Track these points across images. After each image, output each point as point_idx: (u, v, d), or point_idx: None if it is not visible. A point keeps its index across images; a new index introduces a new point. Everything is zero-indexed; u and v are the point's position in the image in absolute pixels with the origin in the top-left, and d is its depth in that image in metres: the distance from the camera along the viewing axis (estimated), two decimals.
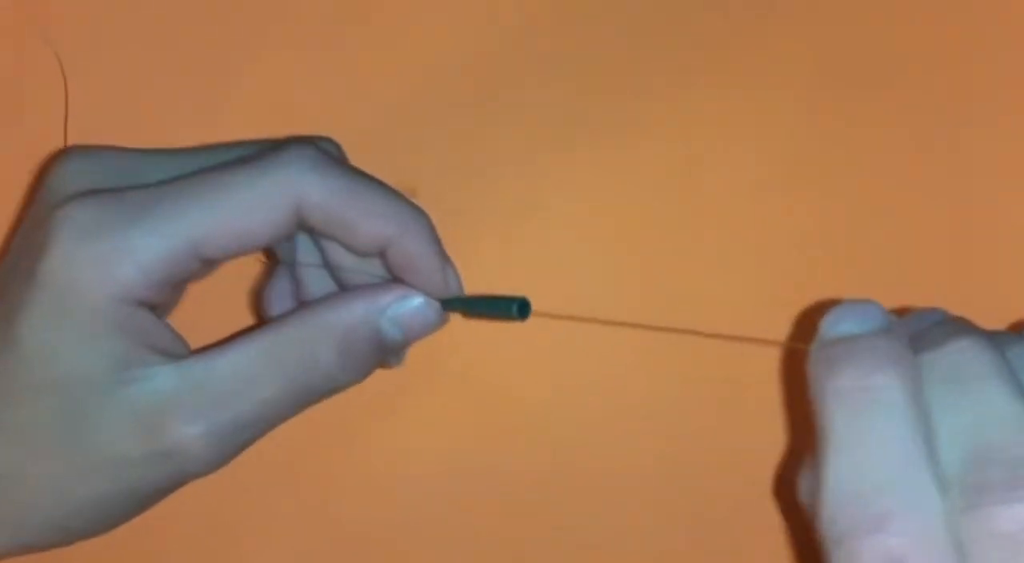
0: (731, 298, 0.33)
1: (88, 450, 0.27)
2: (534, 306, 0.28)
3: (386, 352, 0.29)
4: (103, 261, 0.26)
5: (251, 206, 0.27)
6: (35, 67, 0.34)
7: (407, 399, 0.34)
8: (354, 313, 0.28)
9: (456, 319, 0.31)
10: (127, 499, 0.28)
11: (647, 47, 0.34)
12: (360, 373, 0.29)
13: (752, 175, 0.34)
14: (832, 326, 0.24)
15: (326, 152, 0.28)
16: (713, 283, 0.33)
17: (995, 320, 0.28)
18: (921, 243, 0.33)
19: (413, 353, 0.31)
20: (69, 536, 0.28)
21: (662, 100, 0.34)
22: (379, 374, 0.30)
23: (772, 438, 0.33)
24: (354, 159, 0.31)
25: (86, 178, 0.28)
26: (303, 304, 0.30)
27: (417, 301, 0.29)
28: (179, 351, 0.28)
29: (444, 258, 0.29)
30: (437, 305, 0.29)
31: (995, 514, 0.20)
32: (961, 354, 0.22)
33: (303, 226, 0.28)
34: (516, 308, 0.28)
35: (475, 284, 0.30)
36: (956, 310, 0.26)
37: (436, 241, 0.29)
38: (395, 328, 0.29)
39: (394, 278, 0.29)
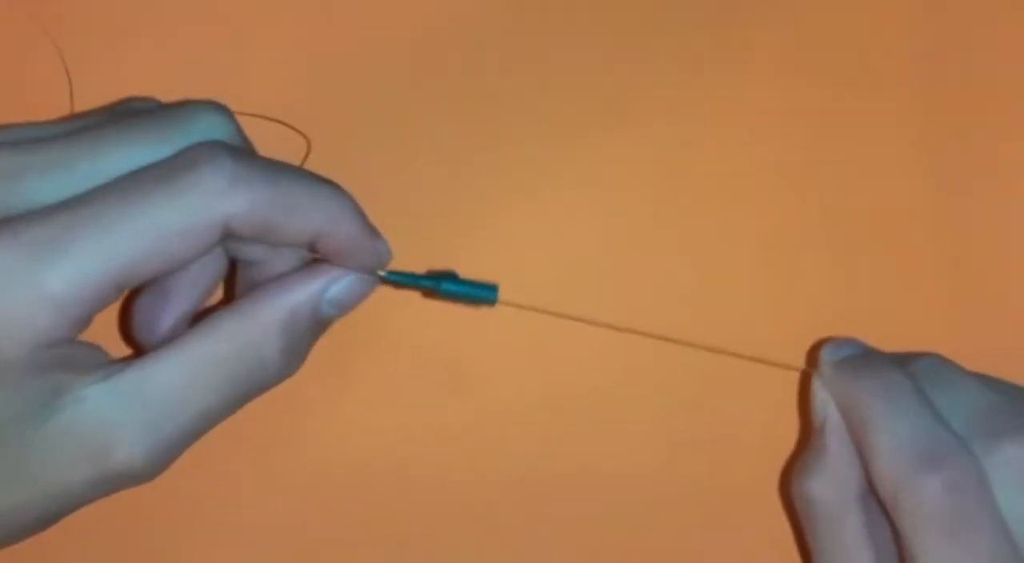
0: (725, 299, 0.34)
1: (28, 488, 0.26)
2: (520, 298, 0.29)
3: (321, 333, 0.29)
4: (19, 312, 0.24)
5: (175, 235, 0.25)
6: (39, 65, 0.34)
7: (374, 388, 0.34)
8: (295, 304, 0.27)
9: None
10: (62, 514, 0.27)
11: (646, 38, 0.34)
12: (302, 362, 0.28)
13: (749, 169, 0.34)
14: (835, 352, 0.31)
15: (239, 153, 0.26)
16: (706, 281, 0.34)
17: (994, 316, 0.34)
18: (917, 242, 0.34)
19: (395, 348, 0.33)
20: None
21: (660, 92, 0.34)
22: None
23: (764, 437, 0.33)
24: (348, 148, 0.31)
25: None
26: (234, 301, 0.28)
27: (351, 277, 0.28)
28: (98, 360, 0.27)
29: (374, 233, 0.28)
30: (376, 277, 0.29)
31: (1006, 448, 0.27)
32: (932, 362, 0.30)
33: (228, 236, 0.26)
34: (488, 294, 0.29)
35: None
36: (950, 312, 0.33)
37: (364, 219, 0.28)
38: (333, 309, 0.28)
39: (318, 258, 0.28)
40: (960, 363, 0.31)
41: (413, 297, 0.32)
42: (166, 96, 0.33)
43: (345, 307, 0.28)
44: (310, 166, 0.30)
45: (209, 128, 0.27)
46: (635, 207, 0.34)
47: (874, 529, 0.29)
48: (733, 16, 0.35)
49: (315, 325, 0.28)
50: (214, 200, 0.25)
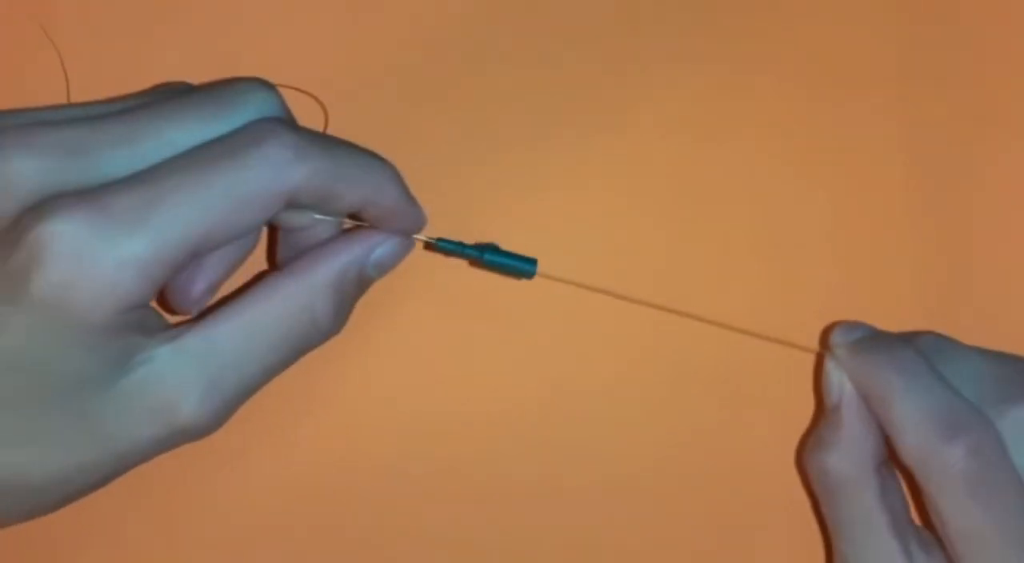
0: (736, 287, 0.34)
1: (99, 446, 0.27)
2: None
3: (362, 294, 0.31)
4: (105, 277, 0.26)
5: (247, 204, 0.27)
6: (36, 64, 0.34)
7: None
8: (343, 266, 0.29)
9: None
10: (124, 471, 0.28)
11: (662, 20, 0.35)
12: (346, 321, 0.30)
13: (770, 161, 0.35)
14: (847, 334, 0.32)
15: (298, 128, 0.28)
16: (719, 270, 0.35)
17: (997, 312, 0.35)
18: (920, 232, 0.35)
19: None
20: (55, 509, 0.28)
21: (676, 77, 0.35)
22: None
23: (781, 413, 0.34)
24: (366, 128, 0.32)
25: (44, 176, 0.26)
26: (286, 264, 0.30)
27: (392, 242, 0.30)
28: (161, 323, 0.28)
29: (413, 200, 0.31)
30: (412, 243, 0.31)
31: (1016, 412, 0.30)
32: (933, 338, 0.32)
33: (289, 205, 0.28)
34: (527, 266, 0.31)
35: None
36: (953, 297, 0.35)
37: (405, 188, 0.30)
38: (375, 270, 0.30)
39: (359, 224, 0.31)
40: (960, 339, 0.33)
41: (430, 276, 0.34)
42: None
43: (385, 269, 0.31)
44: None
45: (260, 104, 0.29)
46: (663, 195, 0.35)
47: (887, 495, 0.31)
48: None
49: (360, 286, 0.30)
50: (281, 172, 0.27)
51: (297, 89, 0.34)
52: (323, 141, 0.28)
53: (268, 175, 0.27)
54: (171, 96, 0.28)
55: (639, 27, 0.35)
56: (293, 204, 0.28)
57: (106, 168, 0.27)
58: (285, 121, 0.28)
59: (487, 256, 0.31)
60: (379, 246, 0.30)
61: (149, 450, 0.28)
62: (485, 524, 0.34)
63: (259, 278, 0.29)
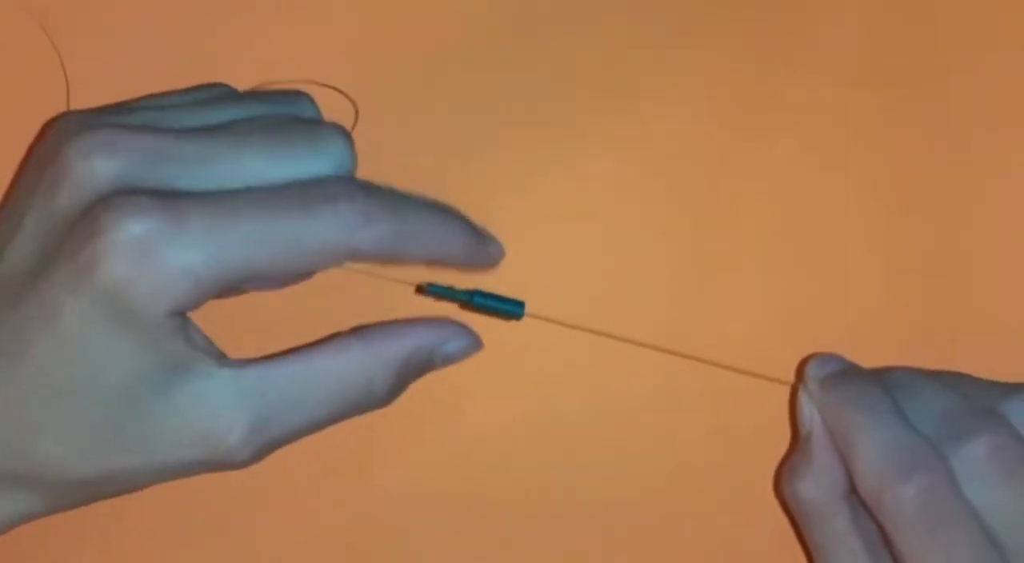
0: (725, 317, 0.35)
1: (142, 454, 0.28)
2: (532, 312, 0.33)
3: (419, 378, 0.31)
4: (164, 280, 0.27)
5: (309, 253, 0.28)
6: (36, 64, 0.34)
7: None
8: (414, 347, 0.30)
9: None
10: (147, 485, 0.29)
11: (668, 45, 0.36)
12: (397, 398, 0.31)
13: (736, 192, 0.35)
14: (820, 368, 0.33)
15: (369, 189, 0.29)
16: (709, 302, 0.35)
17: (979, 332, 0.35)
18: (902, 263, 0.36)
19: None
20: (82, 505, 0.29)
21: (676, 103, 0.36)
22: None
23: (761, 442, 0.35)
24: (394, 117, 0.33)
25: (120, 176, 0.27)
26: (359, 328, 0.31)
27: (469, 340, 0.31)
28: (218, 355, 0.29)
29: (483, 240, 0.31)
30: (482, 343, 0.32)
31: (968, 447, 0.30)
32: (902, 373, 0.33)
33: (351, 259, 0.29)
34: (517, 309, 0.32)
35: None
36: (935, 329, 0.35)
37: (474, 232, 0.31)
38: (442, 361, 0.31)
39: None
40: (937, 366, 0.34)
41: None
42: (160, 89, 0.33)
43: (451, 362, 0.31)
44: (357, 133, 0.32)
45: (338, 153, 0.30)
46: (642, 231, 0.35)
47: (860, 519, 0.32)
48: (754, 16, 0.36)
49: (421, 372, 0.31)
50: (348, 232, 0.28)
51: (325, 85, 0.34)
52: (392, 202, 0.29)
53: (335, 232, 0.28)
54: (256, 125, 0.30)
55: (640, 61, 0.35)
56: (355, 259, 0.29)
57: (179, 181, 0.28)
58: (357, 181, 0.29)
59: (476, 299, 0.32)
60: (452, 340, 0.31)
61: (181, 472, 0.29)
62: (472, 555, 0.34)
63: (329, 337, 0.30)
